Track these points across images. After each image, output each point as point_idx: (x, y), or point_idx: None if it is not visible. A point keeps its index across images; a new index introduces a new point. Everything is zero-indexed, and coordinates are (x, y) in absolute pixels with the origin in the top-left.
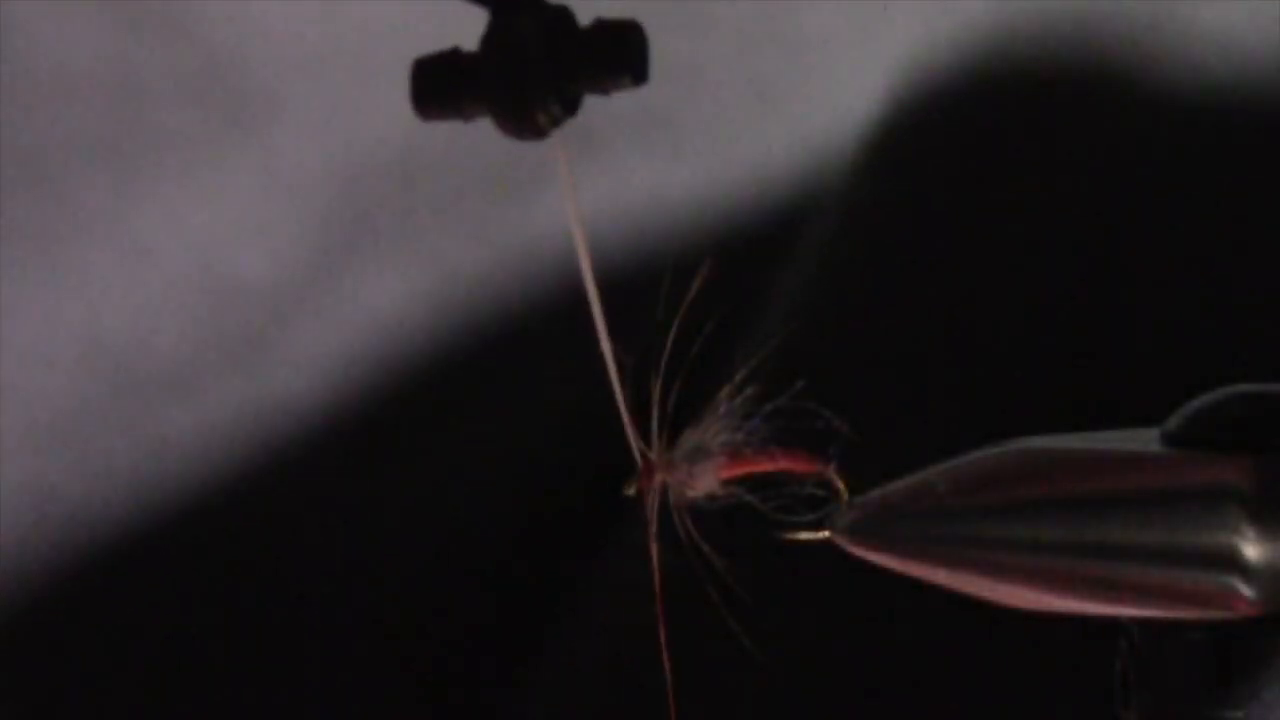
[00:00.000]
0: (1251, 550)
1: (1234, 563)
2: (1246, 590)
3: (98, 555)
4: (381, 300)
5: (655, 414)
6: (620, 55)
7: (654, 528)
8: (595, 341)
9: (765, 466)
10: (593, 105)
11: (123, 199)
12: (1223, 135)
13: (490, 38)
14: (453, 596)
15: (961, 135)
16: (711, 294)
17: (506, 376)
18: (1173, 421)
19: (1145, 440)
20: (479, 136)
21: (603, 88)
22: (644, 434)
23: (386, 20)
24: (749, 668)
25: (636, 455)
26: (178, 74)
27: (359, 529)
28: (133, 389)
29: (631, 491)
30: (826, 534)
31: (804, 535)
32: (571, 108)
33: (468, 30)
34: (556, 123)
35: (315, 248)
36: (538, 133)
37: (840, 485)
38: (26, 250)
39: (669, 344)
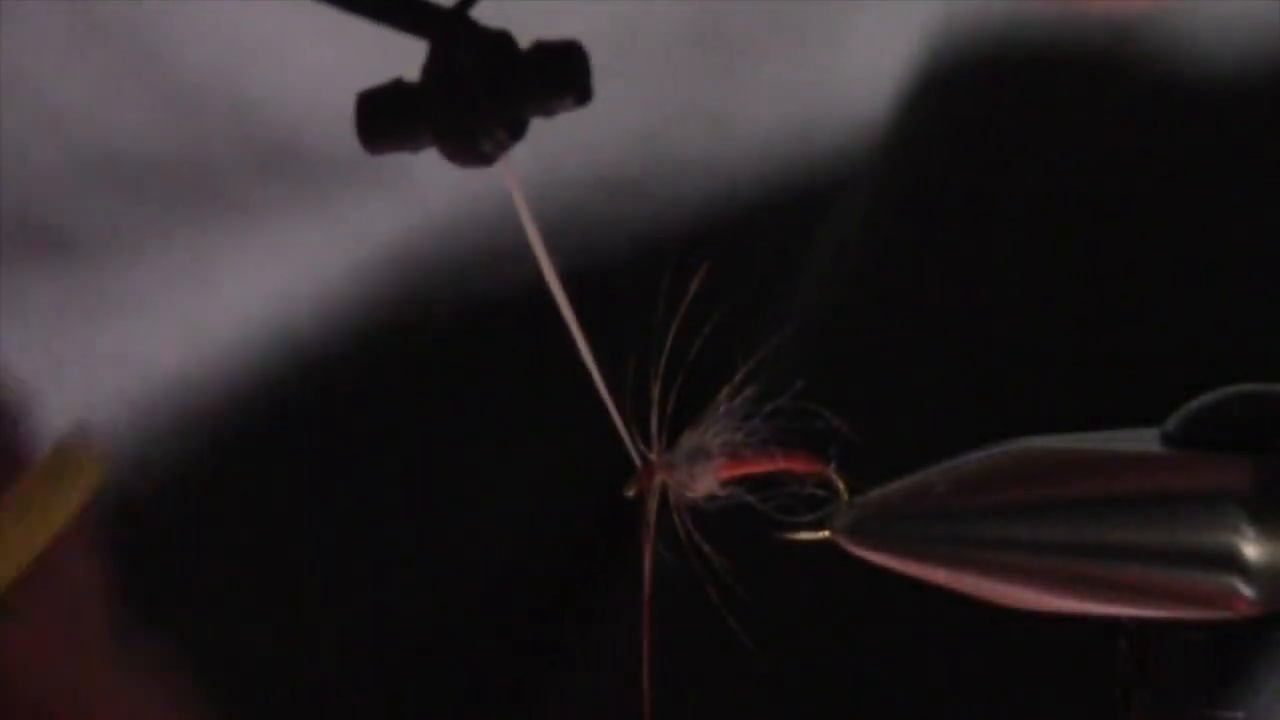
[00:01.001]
0: (1251, 550)
1: (1234, 563)
2: (1246, 590)
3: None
4: (422, 350)
5: (654, 415)
6: (562, 76)
7: (653, 528)
8: (598, 347)
9: (765, 467)
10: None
11: (195, 256)
12: (1226, 135)
13: (431, 67)
14: (463, 609)
15: (964, 132)
16: (712, 294)
17: (519, 390)
18: (1173, 421)
19: (1145, 440)
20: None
21: (547, 110)
22: (644, 435)
23: None
24: (749, 668)
25: (636, 457)
26: (240, 153)
27: (367, 547)
28: (182, 422)
29: (631, 493)
30: (826, 534)
31: (804, 535)
32: (518, 132)
33: None
34: (502, 149)
35: (367, 309)
36: (484, 160)
37: (840, 485)
38: (102, 297)
39: (668, 344)
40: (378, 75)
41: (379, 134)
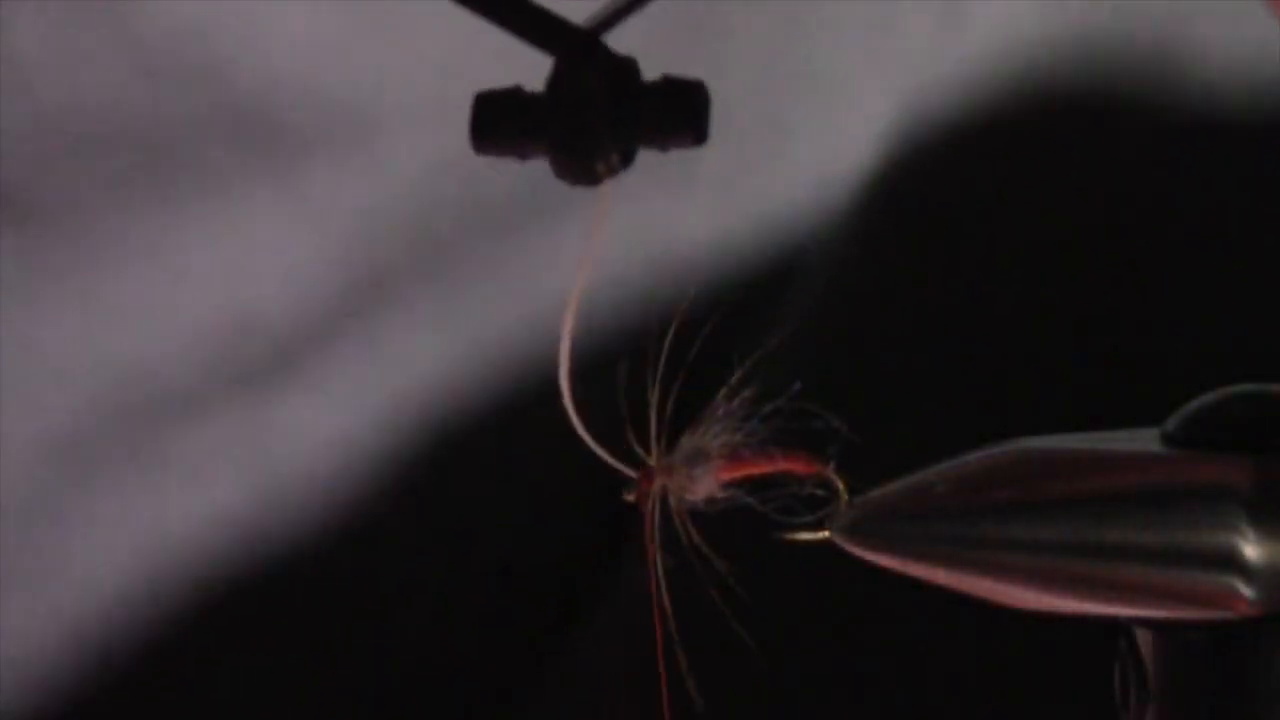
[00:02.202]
0: (1251, 550)
1: (1234, 563)
2: (1246, 590)
3: (92, 566)
4: (395, 338)
5: (653, 418)
6: (684, 113)
7: (652, 530)
8: (599, 354)
9: (765, 468)
10: None
11: (156, 231)
12: (1226, 138)
13: (557, 81)
14: (465, 614)
15: (968, 149)
16: (709, 298)
17: (514, 398)
18: (1173, 422)
19: (1145, 440)
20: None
21: (662, 144)
22: (643, 439)
23: (409, 67)
24: (749, 669)
25: (626, 470)
26: (205, 120)
27: (366, 552)
28: (140, 409)
29: (631, 497)
30: (826, 534)
31: (804, 535)
32: (628, 159)
33: (487, 74)
34: (612, 172)
35: (336, 288)
36: (593, 180)
37: (840, 485)
38: (57, 274)
39: (665, 347)
40: (352, 46)
41: (491, 136)
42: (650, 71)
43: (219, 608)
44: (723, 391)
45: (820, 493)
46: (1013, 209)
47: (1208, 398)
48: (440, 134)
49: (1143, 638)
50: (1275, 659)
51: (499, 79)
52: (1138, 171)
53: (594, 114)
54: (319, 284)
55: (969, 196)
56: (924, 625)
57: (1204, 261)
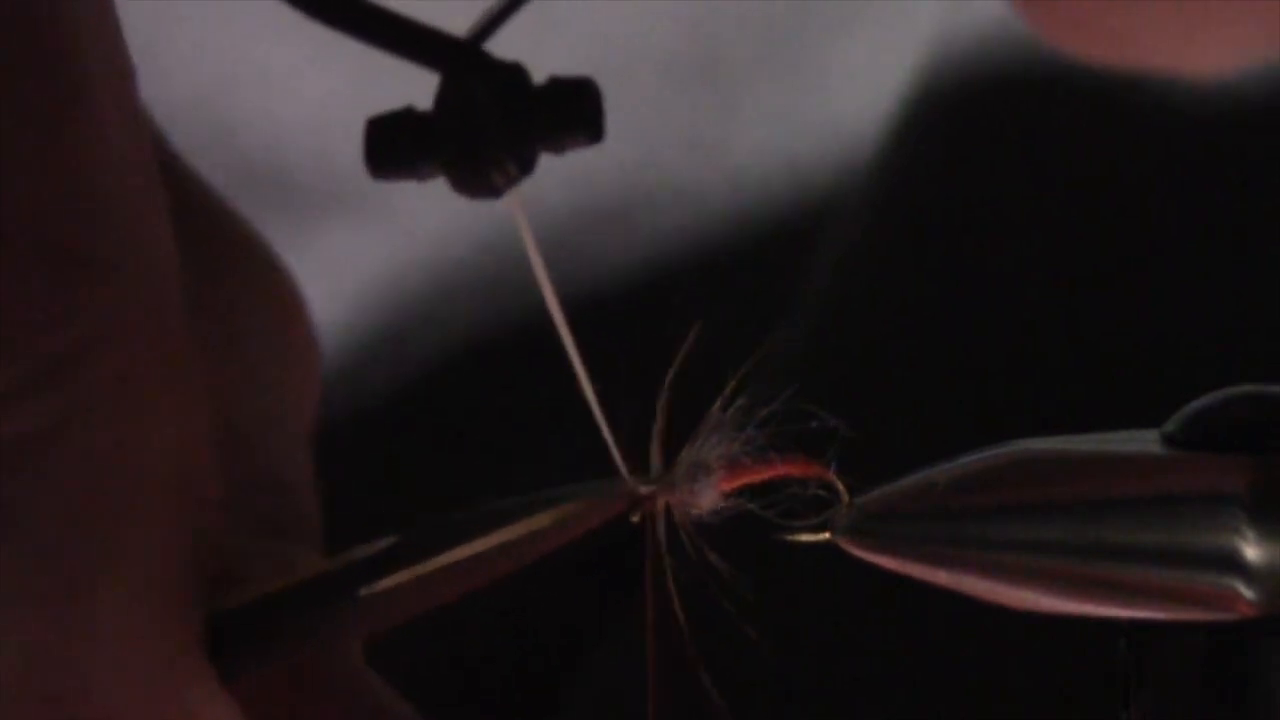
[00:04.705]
0: (1252, 551)
1: (1234, 564)
2: (1247, 591)
3: None
4: (409, 379)
5: (655, 434)
6: (576, 113)
7: (659, 549)
8: (591, 371)
9: (765, 474)
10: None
11: None
12: (1224, 136)
13: (443, 97)
14: (480, 631)
15: (965, 139)
16: (706, 315)
17: (516, 417)
18: (1172, 422)
19: (1145, 441)
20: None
21: (559, 146)
22: (642, 457)
23: None
24: (755, 669)
25: (629, 479)
26: (219, 179)
27: None
28: None
29: (636, 519)
30: (828, 536)
31: (806, 537)
32: (527, 167)
33: None
34: (512, 182)
35: (352, 345)
36: (492, 192)
37: (841, 487)
38: None
39: (675, 364)
40: (367, 105)
41: (386, 161)
42: (682, 23)
43: None
44: (718, 402)
45: (823, 494)
46: (1012, 207)
47: (1208, 398)
48: (453, 194)
49: (1143, 638)
50: (1275, 659)
51: None
52: (1141, 166)
53: (484, 125)
54: (333, 341)
55: (970, 190)
56: (924, 625)
57: (1204, 261)
